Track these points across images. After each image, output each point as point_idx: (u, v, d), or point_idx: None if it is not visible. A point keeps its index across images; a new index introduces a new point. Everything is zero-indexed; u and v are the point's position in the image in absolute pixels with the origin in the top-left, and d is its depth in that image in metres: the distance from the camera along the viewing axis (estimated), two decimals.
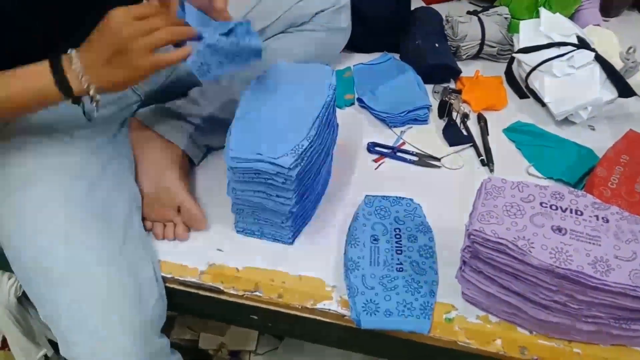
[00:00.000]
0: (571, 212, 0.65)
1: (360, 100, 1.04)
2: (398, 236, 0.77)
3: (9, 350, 0.96)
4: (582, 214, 0.65)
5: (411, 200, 0.83)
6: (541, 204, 0.66)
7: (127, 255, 0.71)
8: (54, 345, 0.95)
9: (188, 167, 0.89)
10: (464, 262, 0.70)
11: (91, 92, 0.63)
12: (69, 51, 0.63)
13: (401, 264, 0.73)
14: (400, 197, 0.83)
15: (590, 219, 0.65)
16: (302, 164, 0.70)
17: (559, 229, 0.63)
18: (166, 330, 0.73)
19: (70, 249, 0.68)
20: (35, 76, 0.63)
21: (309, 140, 0.70)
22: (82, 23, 0.64)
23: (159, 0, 0.68)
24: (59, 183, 0.72)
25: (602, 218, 0.65)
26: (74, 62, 0.62)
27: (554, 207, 0.66)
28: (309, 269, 0.76)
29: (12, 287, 0.89)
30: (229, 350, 1.16)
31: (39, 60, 0.64)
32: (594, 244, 0.62)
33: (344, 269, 0.74)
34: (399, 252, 0.75)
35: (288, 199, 0.72)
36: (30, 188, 0.71)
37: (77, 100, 0.65)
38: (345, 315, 0.71)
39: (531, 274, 0.62)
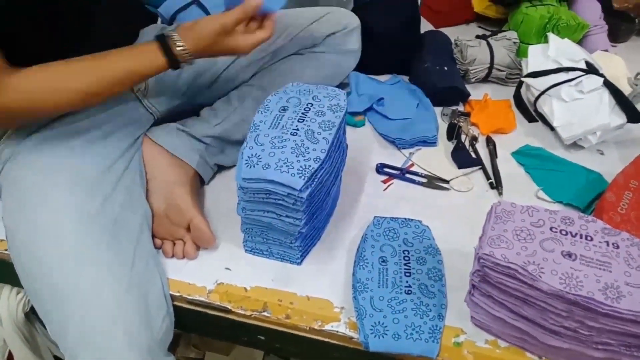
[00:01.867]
0: (581, 237, 0.65)
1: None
2: (407, 258, 0.77)
3: None
4: (592, 239, 0.65)
5: (420, 222, 0.83)
6: (551, 228, 0.66)
7: (136, 272, 0.71)
8: None
9: (198, 185, 0.90)
10: (473, 286, 0.69)
11: (193, 61, 0.77)
12: (170, 34, 0.75)
13: (410, 286, 0.73)
14: (409, 219, 0.84)
15: (601, 245, 0.64)
16: (312, 185, 0.70)
17: (569, 255, 0.63)
18: (171, 348, 0.73)
19: (80, 265, 0.68)
20: (149, 55, 0.74)
21: (320, 162, 0.71)
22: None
23: None
24: (71, 199, 0.72)
25: (613, 244, 0.65)
26: (179, 44, 0.74)
27: (564, 232, 0.66)
28: (317, 289, 0.76)
29: (20, 302, 0.90)
30: None
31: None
32: (604, 269, 0.62)
33: (352, 290, 0.74)
34: (407, 274, 0.75)
35: (298, 220, 0.72)
36: (43, 204, 0.72)
37: (178, 66, 0.76)
38: (353, 338, 0.71)
39: (541, 299, 0.62)
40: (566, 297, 0.60)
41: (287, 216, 0.72)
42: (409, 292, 0.73)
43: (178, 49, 0.74)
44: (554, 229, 0.66)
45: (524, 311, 0.65)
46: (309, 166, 0.70)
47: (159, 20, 1.19)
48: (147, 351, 0.66)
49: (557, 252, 0.63)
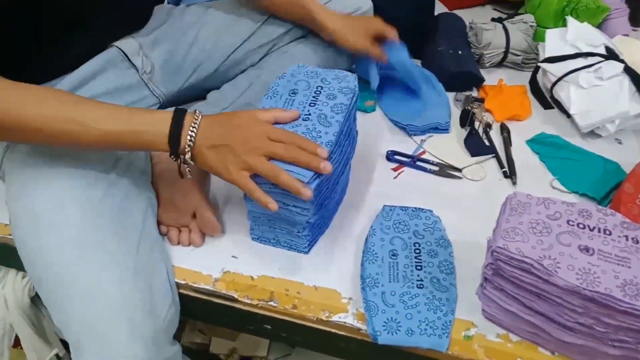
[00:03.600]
0: (599, 231, 0.63)
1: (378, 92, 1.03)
2: (418, 251, 0.75)
3: (22, 348, 0.96)
4: (610, 233, 0.63)
5: (431, 212, 0.81)
6: (568, 222, 0.64)
7: (141, 259, 0.70)
8: (66, 345, 0.94)
9: (206, 176, 0.88)
10: (485, 279, 0.68)
11: (186, 157, 0.66)
12: (196, 112, 0.67)
13: (421, 280, 0.71)
14: (419, 209, 0.82)
15: (620, 239, 0.62)
16: (321, 176, 0.68)
17: (587, 249, 0.61)
18: (177, 333, 0.72)
19: (83, 253, 0.67)
20: (155, 121, 0.66)
21: (329, 151, 0.68)
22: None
23: None
24: (75, 185, 0.71)
25: (632, 239, 0.62)
26: (194, 126, 0.65)
27: (581, 226, 0.63)
28: (325, 279, 0.75)
29: (25, 286, 0.89)
30: (240, 356, 1.15)
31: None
32: (623, 265, 0.60)
33: (361, 284, 0.72)
34: (418, 267, 0.73)
35: (306, 210, 0.70)
36: (45, 189, 0.70)
37: (177, 156, 0.67)
38: (361, 329, 0.70)
39: (556, 294, 0.60)
40: (582, 293, 0.58)
41: (294, 206, 0.70)
42: (421, 286, 0.71)
43: (189, 134, 0.65)
44: (571, 222, 0.64)
45: (537, 306, 0.63)
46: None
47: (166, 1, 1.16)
48: (152, 340, 0.65)
49: (574, 246, 0.61)
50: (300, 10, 0.91)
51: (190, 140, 0.65)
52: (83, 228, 0.68)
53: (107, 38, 0.84)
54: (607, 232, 0.63)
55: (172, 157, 0.67)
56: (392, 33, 0.95)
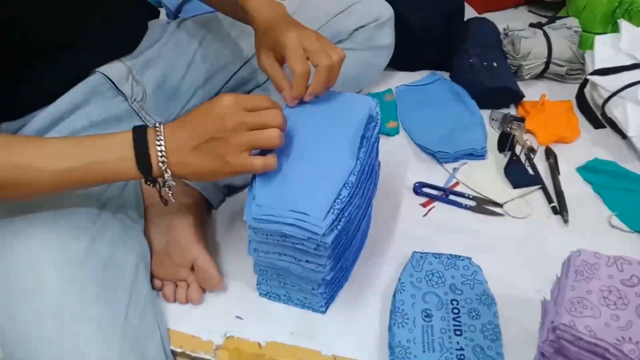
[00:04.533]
0: None
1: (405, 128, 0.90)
2: (456, 310, 0.63)
3: None
4: None
5: (469, 260, 0.69)
6: None
7: (131, 326, 0.60)
8: None
9: (205, 213, 0.77)
10: (542, 354, 0.55)
11: (165, 176, 0.56)
12: (156, 124, 0.56)
13: (462, 349, 0.60)
14: (455, 256, 0.69)
15: None
16: (339, 226, 0.56)
17: None
18: None
19: (63, 323, 0.56)
20: (114, 146, 0.56)
21: (349, 196, 0.57)
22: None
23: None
24: (53, 239, 0.60)
25: None
26: (159, 138, 0.55)
27: None
28: (346, 346, 0.63)
29: None
30: None
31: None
32: None
33: (390, 354, 0.60)
34: (457, 332, 0.61)
35: (321, 266, 0.59)
36: (19, 246, 0.60)
37: (153, 180, 0.57)
38: None
39: None
40: None
41: (307, 261, 0.59)
42: (462, 357, 0.59)
43: (157, 149, 0.55)
44: None
45: None
46: (335, 201, 0.56)
47: (163, 13, 1.06)
48: None
49: None
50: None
51: (161, 156, 0.55)
52: (62, 294, 0.58)
53: (90, 63, 0.73)
54: None
55: (148, 183, 0.57)
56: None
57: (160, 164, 0.55)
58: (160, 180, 0.58)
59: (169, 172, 0.56)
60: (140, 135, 0.56)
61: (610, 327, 0.49)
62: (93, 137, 0.57)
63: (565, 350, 0.51)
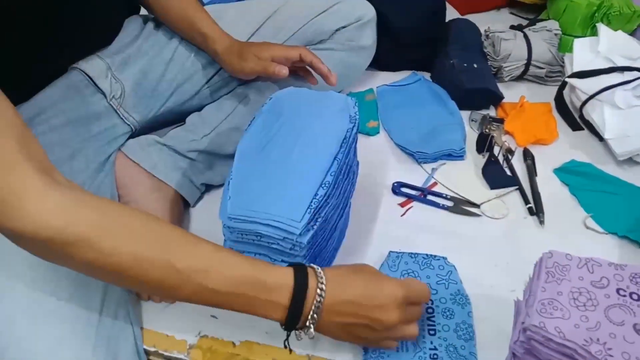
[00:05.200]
0: None
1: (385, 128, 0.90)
2: (430, 309, 0.64)
3: None
4: None
5: (444, 260, 0.69)
6: (618, 291, 0.52)
7: (104, 326, 0.59)
8: None
9: (182, 210, 0.77)
10: (513, 355, 0.55)
11: (306, 331, 0.52)
12: (319, 276, 0.52)
13: (435, 348, 0.60)
14: (431, 256, 0.70)
15: None
16: (315, 226, 0.56)
17: None
18: None
19: (36, 324, 0.56)
20: (273, 281, 0.51)
21: (325, 196, 0.57)
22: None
23: None
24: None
25: None
26: (319, 301, 0.51)
27: (635, 297, 0.51)
28: (321, 345, 0.63)
29: None
30: None
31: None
32: None
33: (363, 354, 0.60)
34: (431, 332, 0.61)
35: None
36: None
37: (290, 330, 0.53)
38: None
39: None
40: None
41: (282, 261, 0.59)
42: (435, 356, 0.59)
43: (312, 310, 0.51)
44: (621, 292, 0.52)
45: None
46: (311, 201, 0.56)
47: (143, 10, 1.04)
48: None
49: (628, 325, 0.49)
50: (191, 28, 0.79)
51: (312, 320, 0.51)
52: (35, 293, 0.57)
53: (68, 58, 0.72)
54: None
55: (284, 327, 0.53)
56: (301, 55, 0.77)
57: (308, 323, 0.52)
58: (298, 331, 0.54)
59: (312, 333, 0.52)
60: (300, 281, 0.51)
61: (579, 328, 0.49)
62: (260, 263, 0.52)
63: (535, 351, 0.52)
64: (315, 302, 0.51)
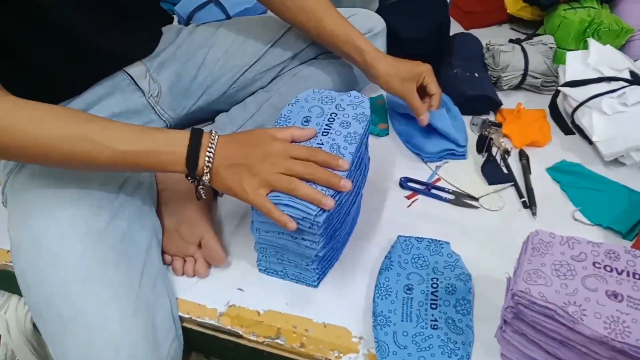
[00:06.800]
0: (628, 275, 0.59)
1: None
2: (435, 285, 0.72)
3: None
4: None
5: (450, 247, 0.77)
6: (594, 264, 0.60)
7: (144, 292, 0.67)
8: None
9: (212, 198, 0.85)
10: (505, 322, 0.64)
11: (204, 178, 0.64)
12: (212, 132, 0.65)
13: (436, 320, 0.68)
14: (437, 241, 0.78)
15: None
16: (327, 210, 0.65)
17: (615, 295, 0.57)
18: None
19: (85, 286, 0.64)
20: (171, 141, 0.64)
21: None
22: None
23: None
24: (77, 215, 0.69)
25: None
26: (212, 146, 0.63)
27: (608, 269, 0.59)
28: (335, 316, 0.71)
29: (28, 312, 0.87)
30: None
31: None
32: None
33: (373, 320, 0.68)
34: (433, 306, 0.69)
35: (314, 243, 0.67)
36: (47, 219, 0.68)
37: (193, 177, 0.65)
38: None
39: (582, 343, 0.56)
40: (612, 345, 0.54)
41: (303, 239, 0.67)
42: (435, 327, 0.67)
43: (207, 153, 0.63)
44: (597, 265, 0.60)
45: (561, 354, 0.59)
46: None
47: (176, 20, 1.14)
48: None
49: (601, 291, 0.57)
50: (350, 48, 0.87)
51: (208, 161, 0.63)
52: (85, 260, 0.66)
53: (115, 63, 0.82)
54: (637, 277, 0.59)
55: (189, 178, 0.65)
56: (433, 88, 0.90)
57: (205, 167, 0.63)
58: (199, 178, 0.65)
59: (209, 176, 0.64)
60: (196, 138, 0.64)
61: (559, 293, 0.57)
62: (154, 129, 0.66)
63: (522, 314, 0.60)
64: (209, 145, 0.63)
